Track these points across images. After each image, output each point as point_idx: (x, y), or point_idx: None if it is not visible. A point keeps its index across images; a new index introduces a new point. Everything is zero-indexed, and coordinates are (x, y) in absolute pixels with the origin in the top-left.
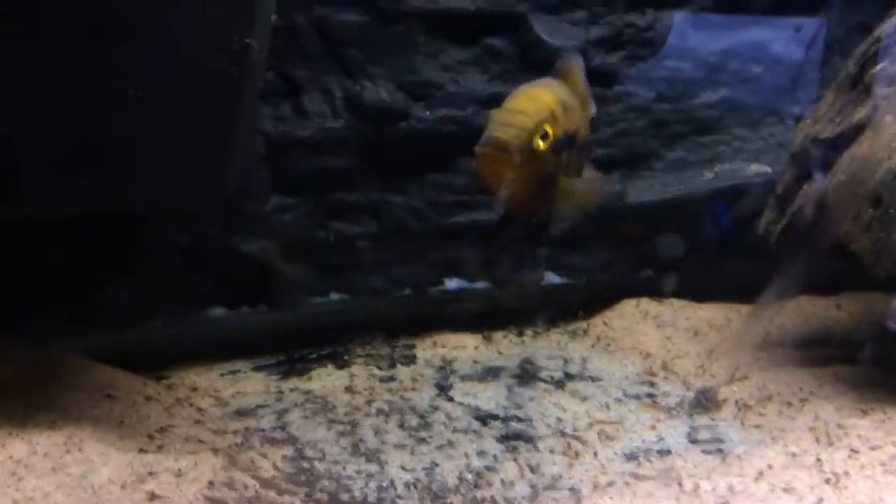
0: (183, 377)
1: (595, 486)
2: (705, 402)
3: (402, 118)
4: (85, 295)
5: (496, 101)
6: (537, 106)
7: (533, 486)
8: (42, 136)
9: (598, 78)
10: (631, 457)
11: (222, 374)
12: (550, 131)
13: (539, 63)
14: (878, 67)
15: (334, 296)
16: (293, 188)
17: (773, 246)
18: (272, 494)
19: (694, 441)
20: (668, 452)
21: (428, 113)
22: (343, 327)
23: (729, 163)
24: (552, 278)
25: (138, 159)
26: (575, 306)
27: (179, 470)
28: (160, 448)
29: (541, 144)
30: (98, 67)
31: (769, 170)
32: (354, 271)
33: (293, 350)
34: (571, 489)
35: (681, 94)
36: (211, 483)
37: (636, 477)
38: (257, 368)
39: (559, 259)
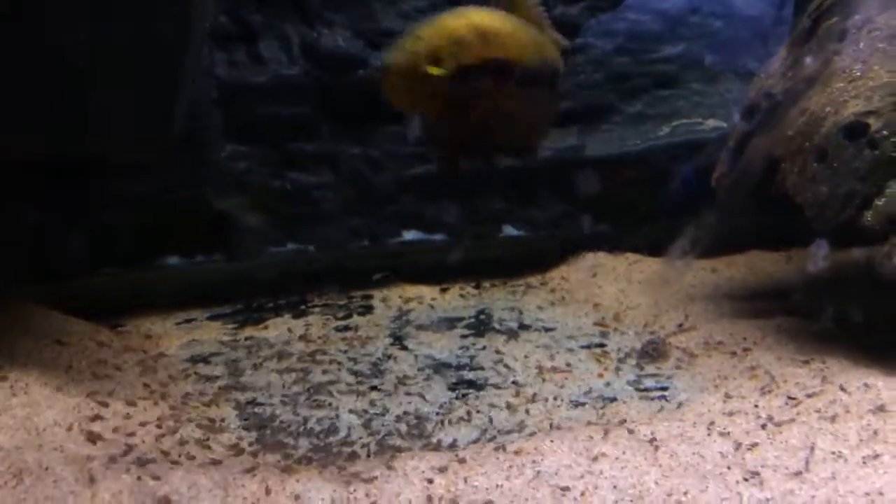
0: (138, 325)
1: (539, 430)
2: (653, 351)
3: (360, 66)
4: (40, 244)
5: None
6: (438, 32)
7: (479, 430)
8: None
9: (559, 30)
10: (577, 403)
11: (178, 323)
12: (449, 58)
13: None
14: (830, 22)
15: (291, 246)
16: (248, 136)
17: (723, 198)
18: (222, 438)
19: (639, 389)
20: (614, 399)
21: None
22: (300, 278)
23: (687, 118)
24: (510, 231)
25: (81, 105)
26: (532, 259)
27: (127, 414)
28: (109, 394)
29: (433, 70)
30: (42, 12)
31: (725, 125)
32: (311, 222)
33: (250, 300)
34: (516, 432)
35: (641, 48)
36: (158, 427)
37: (580, 422)
38: (213, 318)
39: (517, 212)
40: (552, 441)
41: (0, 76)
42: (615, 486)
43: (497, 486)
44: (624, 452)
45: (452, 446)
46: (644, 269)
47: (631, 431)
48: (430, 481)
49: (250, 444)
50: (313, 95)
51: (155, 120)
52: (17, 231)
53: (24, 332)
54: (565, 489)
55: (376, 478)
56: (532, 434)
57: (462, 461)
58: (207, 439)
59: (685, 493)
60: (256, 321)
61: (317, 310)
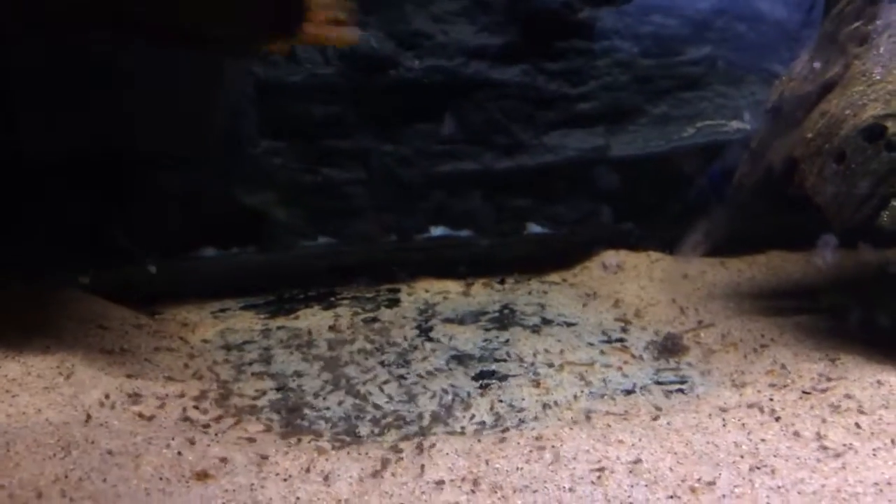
0: (175, 314)
1: (559, 420)
2: (672, 346)
3: (392, 67)
4: (85, 235)
5: (484, 53)
6: None
7: (501, 418)
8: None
9: (584, 31)
10: (596, 395)
11: (213, 312)
12: None
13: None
14: (852, 27)
15: (322, 239)
16: (283, 133)
17: (746, 198)
18: (255, 420)
19: (658, 382)
20: (633, 392)
21: (417, 62)
22: (330, 270)
23: (711, 119)
24: (534, 228)
25: (127, 105)
26: (556, 256)
27: (167, 395)
28: (149, 375)
29: None
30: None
31: (749, 127)
32: (342, 216)
33: (281, 291)
34: (537, 421)
35: (666, 51)
36: (196, 407)
37: (598, 413)
38: (246, 308)
39: (541, 209)
40: (571, 429)
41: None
42: (631, 471)
43: (517, 468)
44: (640, 440)
45: (475, 432)
46: (665, 268)
47: (648, 421)
48: (454, 463)
49: (282, 427)
50: (346, 94)
51: (198, 117)
52: (64, 221)
53: (69, 316)
54: (583, 473)
55: (401, 458)
56: (554, 423)
57: (484, 446)
58: (241, 420)
59: (698, 480)
60: (288, 312)
61: (345, 302)
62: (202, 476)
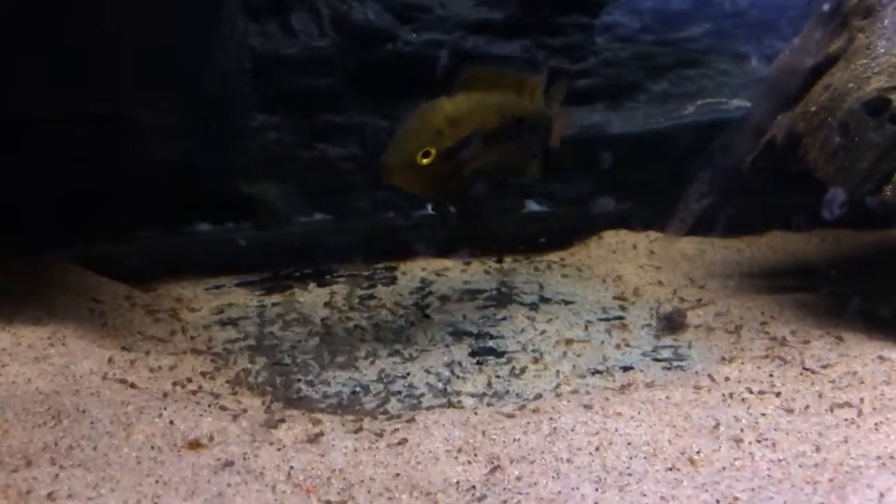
0: (169, 290)
1: (556, 394)
2: (671, 324)
3: (389, 40)
4: (77, 208)
5: (483, 27)
6: (421, 130)
7: (498, 393)
8: (28, 42)
9: (585, 7)
10: (594, 371)
11: (207, 289)
12: (433, 149)
13: None
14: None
15: (318, 216)
16: (278, 107)
17: (746, 174)
18: (250, 393)
19: (656, 359)
20: (631, 368)
21: (415, 36)
22: (325, 247)
23: (712, 97)
24: (533, 206)
25: (116, 65)
26: (554, 234)
27: (160, 367)
28: (143, 348)
29: (424, 161)
30: None
31: (750, 104)
32: (338, 193)
33: (276, 268)
34: (535, 396)
35: (667, 27)
36: (189, 380)
37: (597, 388)
38: (241, 285)
39: (540, 187)
40: (569, 401)
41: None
42: (629, 443)
43: (515, 440)
44: (639, 412)
45: (473, 406)
46: (665, 247)
47: (647, 395)
48: (450, 434)
49: (276, 399)
50: (342, 68)
51: (185, 80)
52: (55, 195)
53: (61, 289)
54: (580, 444)
55: (397, 430)
56: (551, 396)
57: (481, 418)
58: (236, 392)
59: (698, 452)
60: (283, 289)
61: (341, 279)
62: (194, 445)
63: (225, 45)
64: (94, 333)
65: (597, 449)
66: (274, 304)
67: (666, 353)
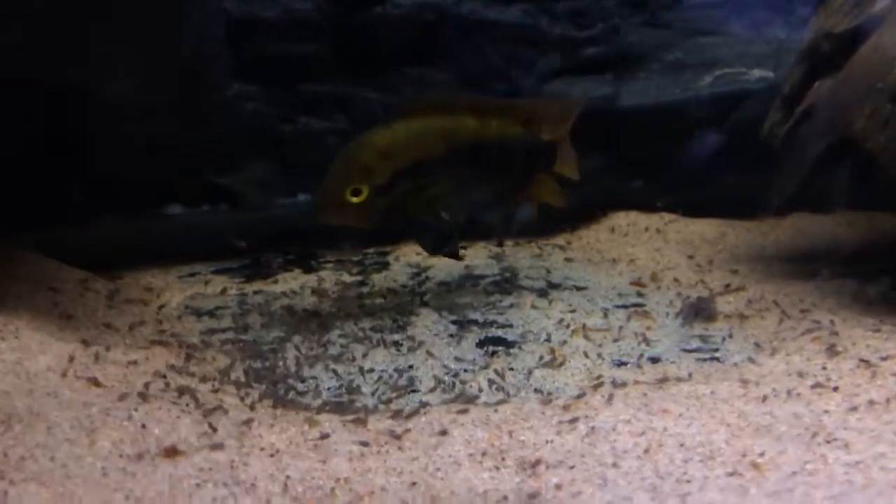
0: (137, 278)
1: (581, 389)
2: (699, 312)
3: (378, 2)
4: (36, 189)
5: None
6: (349, 167)
7: (515, 388)
8: None
9: None
10: (620, 363)
11: (180, 277)
12: (363, 186)
13: None
14: None
15: (302, 197)
16: (257, 75)
17: (779, 148)
18: (228, 390)
19: (686, 350)
20: (659, 360)
21: None
22: (310, 231)
23: (730, 67)
24: None
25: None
26: (559, 216)
27: (127, 363)
28: (107, 342)
29: (354, 199)
30: None
31: (772, 75)
32: (323, 171)
33: (257, 254)
34: (558, 390)
35: None
36: (163, 377)
37: (628, 382)
38: (218, 272)
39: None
40: (603, 397)
41: None
42: (681, 444)
43: (547, 441)
44: (687, 409)
45: (490, 402)
46: (681, 229)
47: (688, 390)
48: (471, 435)
49: (263, 397)
50: (327, 33)
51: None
52: (13, 174)
53: (14, 276)
54: (626, 446)
55: (408, 430)
56: (576, 391)
57: (503, 416)
58: (217, 391)
59: (761, 455)
60: (265, 276)
61: (329, 265)
62: (171, 453)
63: (198, 10)
64: (51, 325)
65: (646, 451)
66: (256, 293)
67: (696, 344)
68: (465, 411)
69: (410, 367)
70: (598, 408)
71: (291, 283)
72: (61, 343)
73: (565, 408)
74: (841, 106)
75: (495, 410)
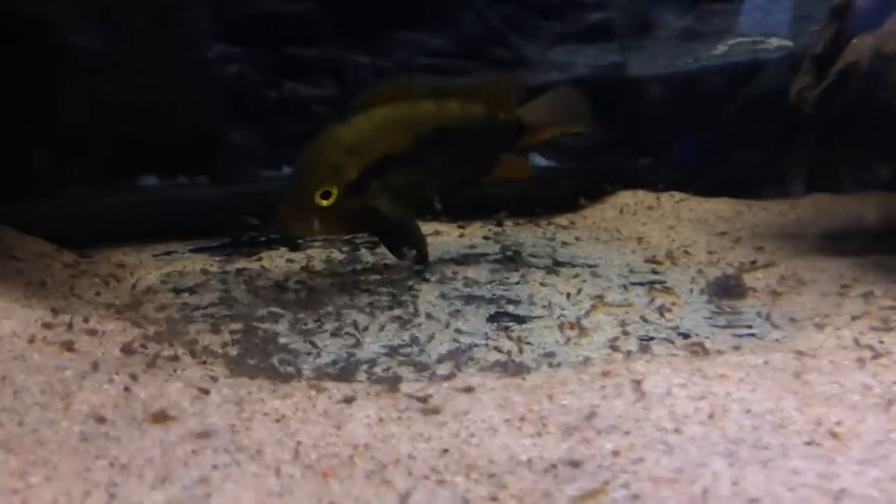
0: (107, 256)
1: (610, 362)
2: (726, 288)
3: None
4: None
5: None
6: (315, 172)
7: (537, 360)
8: None
9: None
10: (647, 338)
11: (155, 255)
12: (333, 187)
13: None
14: None
15: (287, 169)
16: (240, 36)
17: (810, 112)
18: (218, 361)
19: (718, 326)
20: (689, 335)
21: None
22: None
23: (744, 36)
24: (538, 160)
25: None
26: (562, 194)
27: (103, 332)
28: (78, 312)
29: (324, 202)
30: None
31: (791, 44)
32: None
33: (237, 232)
34: (584, 361)
35: None
36: (143, 346)
37: (658, 354)
38: (197, 251)
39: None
40: (647, 362)
41: None
42: (748, 410)
43: (592, 406)
44: (748, 374)
45: (517, 371)
46: (694, 208)
47: (738, 360)
48: (506, 399)
49: (258, 370)
50: None
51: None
52: None
53: None
54: (685, 410)
55: (430, 396)
56: (606, 363)
57: (535, 382)
58: (204, 363)
59: (838, 424)
60: (248, 254)
61: (317, 244)
62: (160, 418)
63: None
64: (15, 292)
65: (710, 417)
66: (239, 271)
67: (728, 319)
68: (491, 377)
69: (416, 339)
70: (645, 372)
71: (278, 261)
72: (27, 309)
73: (605, 374)
74: (887, 61)
75: (523, 378)
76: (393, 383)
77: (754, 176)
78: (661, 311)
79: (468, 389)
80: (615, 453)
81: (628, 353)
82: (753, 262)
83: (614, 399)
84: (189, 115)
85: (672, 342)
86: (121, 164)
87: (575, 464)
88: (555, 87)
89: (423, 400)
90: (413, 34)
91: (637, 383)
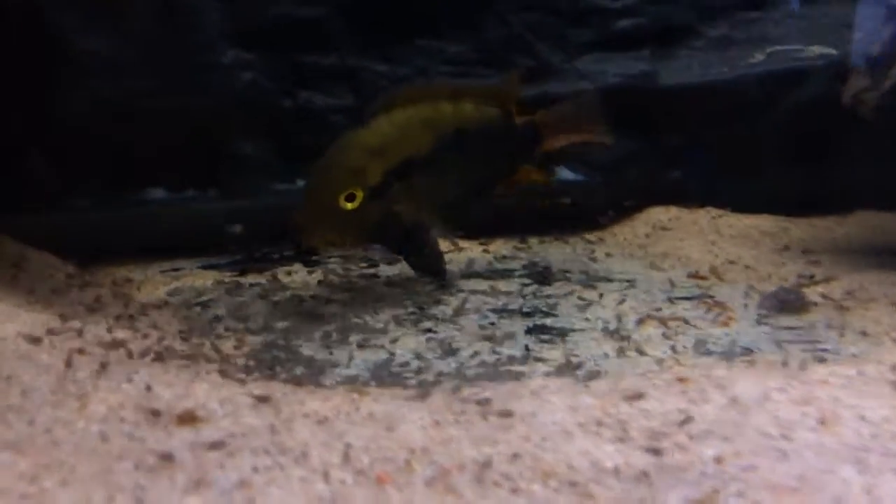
0: (111, 272)
1: (676, 376)
2: (785, 303)
3: None
4: None
5: None
6: (338, 175)
7: (588, 373)
8: None
9: None
10: (706, 352)
11: (162, 272)
12: (357, 190)
13: None
14: None
15: (301, 183)
16: (255, 41)
17: (870, 115)
18: (240, 369)
19: (782, 341)
20: (752, 350)
21: None
22: None
23: (782, 44)
24: (565, 174)
25: None
26: (590, 208)
27: (113, 340)
28: (86, 319)
29: (349, 206)
30: None
31: (834, 52)
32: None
33: (249, 248)
34: (647, 373)
35: None
36: (159, 353)
37: (729, 366)
38: (206, 268)
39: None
40: (730, 370)
41: None
42: (862, 417)
43: (680, 410)
44: (850, 380)
45: (578, 378)
46: (733, 223)
47: (825, 370)
48: (577, 403)
49: (286, 381)
50: None
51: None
52: None
53: None
54: (791, 416)
55: (489, 401)
56: (672, 376)
57: (601, 388)
58: (225, 373)
59: None
60: (260, 270)
61: (332, 260)
62: (186, 419)
63: None
64: (17, 298)
65: (821, 423)
66: (252, 285)
67: (793, 335)
68: (552, 382)
69: (449, 352)
70: (728, 378)
71: (293, 277)
72: (33, 314)
73: (681, 380)
74: None
75: (586, 385)
76: (439, 388)
77: (797, 191)
78: (718, 324)
79: (532, 393)
80: (718, 460)
81: (694, 364)
82: (811, 277)
83: (703, 404)
84: (199, 123)
85: (735, 357)
86: (125, 175)
87: (671, 471)
88: (579, 92)
89: (483, 402)
90: (432, 41)
91: (723, 388)
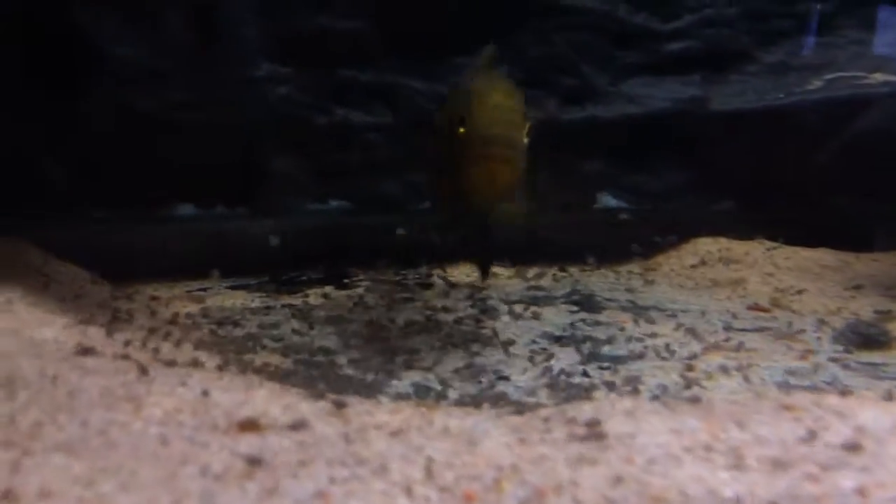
0: (138, 289)
1: (780, 404)
2: (864, 338)
3: None
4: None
5: None
6: (520, 99)
7: (664, 402)
8: None
9: None
10: (782, 384)
11: (189, 291)
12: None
13: None
14: None
15: (334, 203)
16: (290, 54)
17: None
18: (287, 385)
19: (868, 377)
20: (833, 384)
21: None
22: (343, 245)
23: (842, 70)
24: (608, 201)
25: None
26: (634, 239)
27: (156, 348)
28: (123, 328)
29: (525, 141)
30: None
31: None
32: (361, 174)
33: (277, 270)
34: (739, 401)
35: None
36: (202, 363)
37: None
38: (235, 288)
39: (618, 177)
40: (844, 399)
41: None
42: None
43: (801, 440)
44: None
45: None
46: (790, 256)
47: None
48: (682, 426)
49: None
50: (371, 7)
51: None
52: None
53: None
54: None
55: (574, 419)
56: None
57: (699, 411)
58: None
59: None
60: (291, 291)
61: (364, 283)
62: (248, 426)
63: None
64: (50, 304)
65: None
66: (283, 306)
67: (877, 371)
68: (643, 402)
69: (504, 377)
70: (848, 406)
71: (327, 299)
72: (67, 319)
73: (787, 408)
74: None
75: (673, 411)
76: (511, 406)
77: (858, 224)
78: (793, 357)
79: (627, 413)
80: (860, 492)
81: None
82: (888, 312)
83: (823, 432)
84: (231, 137)
85: (815, 389)
86: (153, 190)
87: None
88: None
89: (570, 422)
90: (471, 59)
91: (843, 416)
